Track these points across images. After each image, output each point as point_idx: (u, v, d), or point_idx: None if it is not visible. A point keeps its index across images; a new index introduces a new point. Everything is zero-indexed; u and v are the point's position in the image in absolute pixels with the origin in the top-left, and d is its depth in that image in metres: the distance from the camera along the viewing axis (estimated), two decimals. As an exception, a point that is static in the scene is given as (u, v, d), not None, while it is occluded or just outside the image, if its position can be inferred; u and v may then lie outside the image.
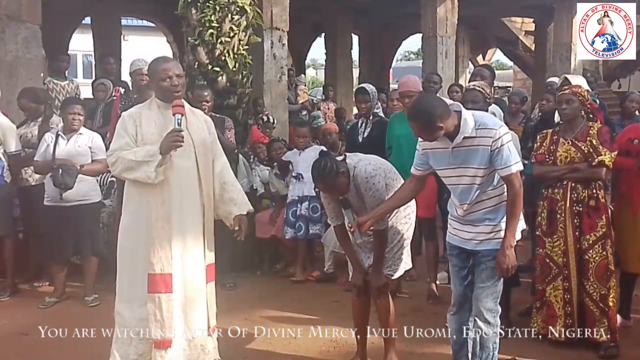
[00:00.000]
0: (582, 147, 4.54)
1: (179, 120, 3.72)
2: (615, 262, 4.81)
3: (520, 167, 3.57)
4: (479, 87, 4.74)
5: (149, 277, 3.77)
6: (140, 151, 3.71)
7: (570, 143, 4.59)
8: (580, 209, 4.54)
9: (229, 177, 4.07)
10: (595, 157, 4.48)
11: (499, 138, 3.47)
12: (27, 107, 6.32)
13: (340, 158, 4.04)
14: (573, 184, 4.57)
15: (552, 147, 4.68)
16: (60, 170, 5.44)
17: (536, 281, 4.82)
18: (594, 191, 4.54)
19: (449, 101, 5.18)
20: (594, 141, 4.51)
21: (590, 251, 4.52)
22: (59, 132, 5.68)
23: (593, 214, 4.53)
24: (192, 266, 3.86)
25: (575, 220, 4.55)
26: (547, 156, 4.69)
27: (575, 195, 4.56)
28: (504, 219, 3.60)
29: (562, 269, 4.59)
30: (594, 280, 4.52)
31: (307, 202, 6.37)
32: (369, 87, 6.31)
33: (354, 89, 6.35)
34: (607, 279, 4.53)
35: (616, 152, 4.56)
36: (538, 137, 4.85)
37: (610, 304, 4.53)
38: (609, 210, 4.69)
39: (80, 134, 5.68)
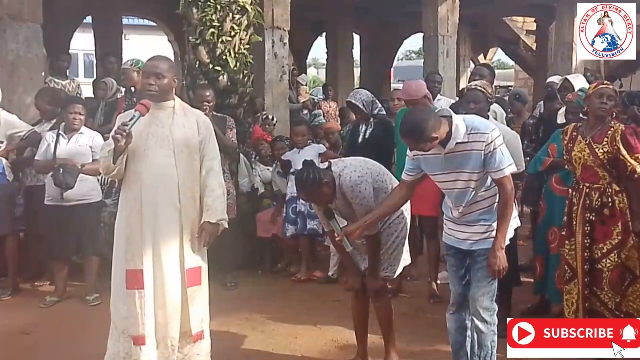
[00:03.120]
0: (597, 150, 4.28)
1: (133, 118, 3.72)
2: None
3: (513, 169, 3.56)
4: (480, 86, 4.70)
5: (126, 273, 3.81)
6: (105, 148, 3.82)
7: (586, 142, 4.34)
8: (593, 217, 4.34)
9: (212, 181, 3.96)
10: (630, 165, 4.21)
11: (491, 142, 3.47)
12: (42, 108, 6.32)
13: (324, 166, 4.00)
14: (587, 190, 4.37)
15: (570, 145, 4.47)
16: (61, 169, 5.44)
17: (557, 282, 4.72)
18: (609, 198, 4.30)
19: (444, 101, 5.19)
20: (620, 147, 4.22)
21: (604, 260, 4.31)
22: (60, 132, 5.68)
23: (608, 220, 4.30)
24: (166, 266, 3.82)
25: (586, 228, 4.37)
26: (565, 154, 4.52)
27: (588, 202, 4.36)
28: None
29: (575, 274, 4.44)
30: (608, 290, 4.32)
31: None
32: (356, 98, 5.99)
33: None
34: (620, 286, 4.34)
35: None
36: (561, 135, 4.63)
37: (626, 309, 4.34)
38: (627, 215, 4.37)
39: (81, 133, 5.68)
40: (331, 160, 4.12)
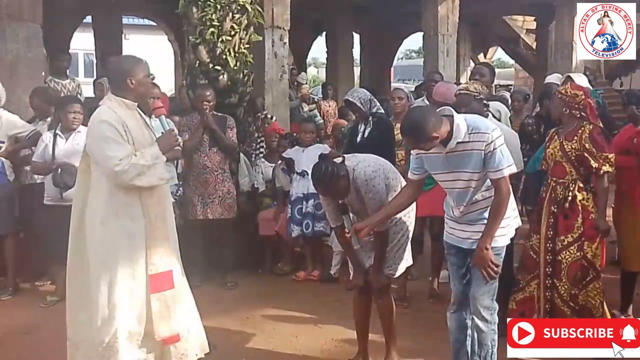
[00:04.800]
0: (565, 147, 4.48)
1: (168, 121, 3.85)
2: (610, 260, 4.83)
3: (513, 169, 3.56)
4: (463, 90, 4.70)
5: (151, 278, 3.74)
6: (147, 155, 3.69)
7: (559, 141, 4.55)
8: (555, 210, 4.50)
9: None
10: (594, 163, 4.38)
11: (491, 142, 3.47)
12: (40, 107, 6.32)
13: (339, 160, 4.02)
14: (554, 184, 4.54)
15: (548, 144, 4.68)
16: (60, 169, 5.45)
17: (517, 270, 4.81)
18: (571, 193, 4.46)
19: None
20: (587, 145, 4.41)
21: (564, 252, 4.46)
22: (57, 132, 5.67)
23: (570, 214, 4.46)
24: (179, 259, 3.96)
25: (550, 220, 4.52)
26: (544, 152, 4.70)
27: (554, 195, 4.53)
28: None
29: (537, 266, 4.60)
30: (565, 281, 4.46)
31: (312, 200, 6.27)
32: (353, 96, 5.99)
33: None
34: (580, 280, 4.44)
35: (612, 154, 4.43)
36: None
37: (582, 302, 4.43)
38: (590, 211, 4.47)
39: (78, 132, 5.65)
40: (345, 156, 4.14)
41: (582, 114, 4.49)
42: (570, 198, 4.45)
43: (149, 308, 3.75)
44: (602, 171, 4.39)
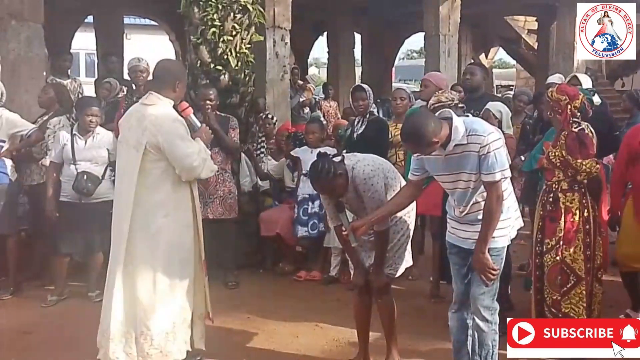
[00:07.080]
0: (550, 155, 4.48)
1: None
2: (611, 261, 4.82)
3: (507, 174, 3.55)
4: (437, 103, 4.69)
5: (204, 263, 4.22)
6: (202, 150, 4.04)
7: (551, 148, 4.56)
8: (542, 212, 4.53)
9: None
10: (575, 170, 4.37)
11: (486, 145, 3.48)
12: (50, 102, 6.33)
13: (338, 159, 4.02)
14: (546, 187, 4.56)
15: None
16: (85, 176, 5.49)
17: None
18: (555, 195, 4.45)
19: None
20: (563, 152, 4.39)
21: (547, 255, 4.45)
22: (74, 132, 5.69)
23: (556, 217, 4.43)
24: None
25: (539, 223, 4.55)
26: None
27: (545, 198, 4.54)
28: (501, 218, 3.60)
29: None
30: (547, 285, 4.45)
31: (318, 200, 6.19)
32: (365, 86, 6.26)
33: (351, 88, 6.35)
34: (561, 285, 4.39)
35: (586, 160, 4.35)
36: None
37: (565, 310, 4.37)
38: (573, 214, 4.42)
39: (98, 133, 5.70)
40: (344, 155, 4.14)
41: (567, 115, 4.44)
42: (552, 200, 4.46)
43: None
44: (590, 173, 4.37)
